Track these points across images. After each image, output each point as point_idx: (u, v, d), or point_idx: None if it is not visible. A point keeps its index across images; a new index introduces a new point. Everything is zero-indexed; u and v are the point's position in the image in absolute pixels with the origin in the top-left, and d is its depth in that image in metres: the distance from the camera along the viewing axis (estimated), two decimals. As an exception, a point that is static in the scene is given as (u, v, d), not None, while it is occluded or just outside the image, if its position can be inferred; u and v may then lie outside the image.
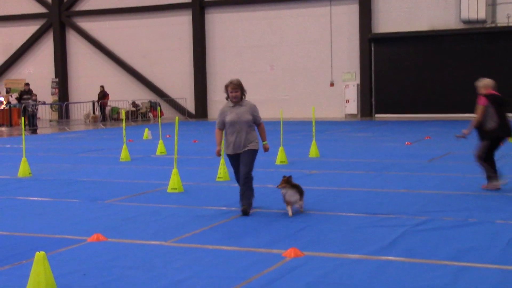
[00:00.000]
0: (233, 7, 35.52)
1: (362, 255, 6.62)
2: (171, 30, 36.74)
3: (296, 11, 34.23)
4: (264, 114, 31.93)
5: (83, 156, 17.26)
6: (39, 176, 13.14)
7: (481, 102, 10.18)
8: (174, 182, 10.84)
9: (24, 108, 28.56)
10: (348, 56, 33.41)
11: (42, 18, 39.65)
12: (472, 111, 12.28)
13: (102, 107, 34.49)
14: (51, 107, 37.75)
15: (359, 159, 15.04)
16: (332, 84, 33.83)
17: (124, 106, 34.98)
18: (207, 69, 36.28)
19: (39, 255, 5.40)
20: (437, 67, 31.51)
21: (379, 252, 6.73)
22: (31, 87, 31.19)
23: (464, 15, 30.71)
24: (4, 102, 33.72)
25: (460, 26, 31.31)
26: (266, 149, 9.19)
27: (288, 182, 8.58)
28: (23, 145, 13.65)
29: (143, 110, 36.29)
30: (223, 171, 11.95)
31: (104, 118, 34.16)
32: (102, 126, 31.25)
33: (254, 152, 8.93)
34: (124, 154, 15.77)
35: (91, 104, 35.50)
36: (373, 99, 33.01)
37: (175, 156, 10.95)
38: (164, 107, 36.70)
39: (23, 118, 15.38)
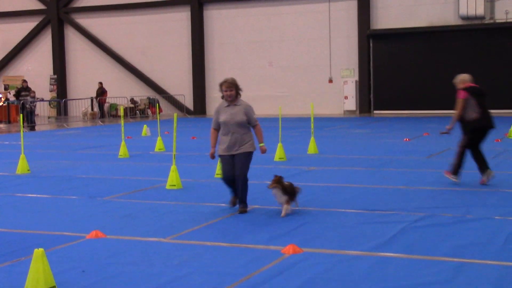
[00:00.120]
0: (232, 3, 35.47)
1: (361, 252, 6.62)
2: (170, 27, 36.67)
3: (295, 7, 34.19)
4: (263, 110, 32.36)
5: (82, 153, 17.25)
6: (37, 173, 13.13)
7: (461, 96, 10.32)
8: (173, 179, 10.84)
9: (22, 105, 28.52)
10: (346, 52, 33.39)
11: (40, 14, 39.56)
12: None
13: (101, 103, 34.43)
14: (50, 104, 37.71)
15: (357, 155, 15.04)
16: (330, 81, 33.81)
17: (123, 103, 34.94)
18: (205, 65, 36.24)
19: (38, 252, 5.40)
20: (436, 63, 31.49)
21: (378, 248, 6.74)
22: (29, 84, 31.14)
23: (463, 11, 30.73)
24: (2, 99, 33.66)
25: (459, 22, 31.30)
26: (263, 152, 8.88)
27: (279, 182, 8.36)
28: (22, 142, 13.62)
29: (142, 106, 36.25)
30: (222, 167, 11.93)
31: (102, 115, 34.09)
32: (101, 123, 31.21)
33: (248, 155, 8.68)
34: (123, 151, 15.76)
35: (89, 100, 35.41)
36: (371, 95, 33.00)
37: (174, 152, 10.94)
38: (163, 103, 36.68)
39: (21, 115, 15.35)
